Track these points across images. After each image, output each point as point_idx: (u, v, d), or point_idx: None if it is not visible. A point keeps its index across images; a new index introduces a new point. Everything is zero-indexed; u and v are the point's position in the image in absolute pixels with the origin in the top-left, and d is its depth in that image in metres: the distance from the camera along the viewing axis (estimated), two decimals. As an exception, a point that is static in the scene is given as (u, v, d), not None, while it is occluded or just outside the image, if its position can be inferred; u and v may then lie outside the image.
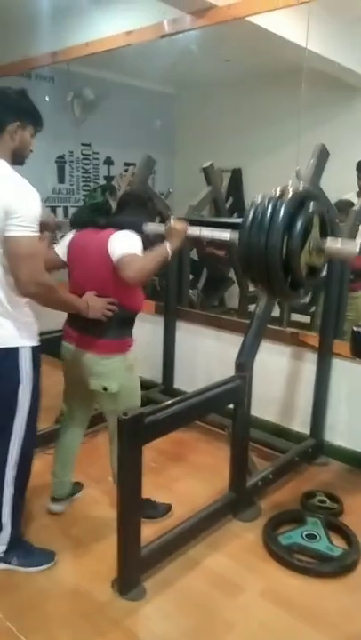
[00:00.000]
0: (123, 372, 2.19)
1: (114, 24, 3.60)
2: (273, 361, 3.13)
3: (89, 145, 5.33)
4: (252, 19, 2.97)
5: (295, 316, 4.13)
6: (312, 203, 1.80)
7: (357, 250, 1.81)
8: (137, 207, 2.28)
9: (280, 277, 1.77)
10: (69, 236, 2.26)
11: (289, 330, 3.13)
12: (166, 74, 5.04)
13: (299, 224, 1.72)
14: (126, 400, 2.18)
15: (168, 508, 2.45)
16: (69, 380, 2.36)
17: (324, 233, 1.86)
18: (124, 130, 5.24)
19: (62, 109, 4.83)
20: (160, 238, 2.20)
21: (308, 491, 2.63)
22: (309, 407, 2.99)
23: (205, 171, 3.95)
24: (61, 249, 2.24)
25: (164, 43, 3.48)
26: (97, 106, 5.11)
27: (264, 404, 3.16)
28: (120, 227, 2.12)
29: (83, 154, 5.31)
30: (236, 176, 5.54)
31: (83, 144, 5.29)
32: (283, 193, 1.75)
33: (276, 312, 3.21)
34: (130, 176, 4.56)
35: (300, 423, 3.10)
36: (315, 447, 2.97)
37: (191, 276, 4.19)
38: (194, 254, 4.43)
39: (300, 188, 1.80)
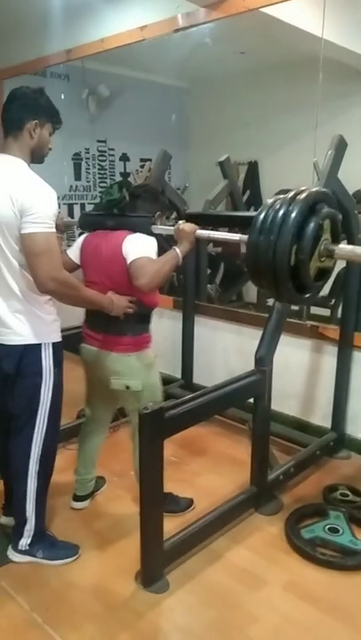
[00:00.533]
0: (144, 369, 2.20)
1: (128, 20, 3.59)
2: (293, 354, 3.11)
3: (104, 141, 5.34)
4: (266, 9, 2.94)
5: (315, 310, 4.09)
6: (324, 206, 1.76)
7: None
8: (148, 200, 2.27)
9: (288, 283, 1.72)
10: (81, 238, 2.28)
11: (309, 323, 3.11)
12: (181, 68, 5.02)
13: (309, 230, 1.67)
14: (149, 397, 2.18)
15: (190, 502, 2.45)
16: (91, 381, 2.37)
17: (335, 237, 1.82)
18: (140, 125, 5.24)
19: (77, 106, 4.85)
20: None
21: (331, 484, 2.62)
22: (330, 400, 2.97)
23: (221, 164, 3.94)
24: (74, 251, 2.26)
25: (177, 37, 3.46)
26: (112, 102, 5.12)
27: (284, 398, 3.15)
28: (130, 228, 2.13)
29: (98, 150, 5.32)
30: (253, 169, 5.50)
31: (98, 141, 5.30)
32: (294, 196, 1.71)
33: (295, 305, 3.20)
34: (146, 172, 4.56)
35: (321, 416, 3.08)
36: (336, 440, 2.95)
37: (209, 271, 4.19)
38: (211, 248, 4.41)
39: (312, 190, 1.75)
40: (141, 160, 5.43)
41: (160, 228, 2.20)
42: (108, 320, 2.12)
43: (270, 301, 2.67)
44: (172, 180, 5.01)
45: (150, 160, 4.80)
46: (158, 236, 2.19)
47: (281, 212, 1.66)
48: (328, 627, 1.85)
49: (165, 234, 2.23)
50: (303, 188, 1.73)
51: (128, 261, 2.05)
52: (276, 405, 2.88)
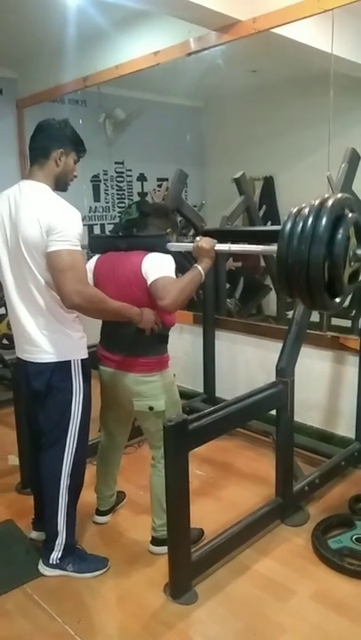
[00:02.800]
0: (165, 388, 2.18)
1: (141, 45, 3.71)
2: (315, 366, 3.13)
3: (122, 163, 5.47)
4: (275, 30, 3.02)
5: (335, 321, 4.10)
6: (349, 212, 1.78)
7: None
8: (159, 217, 2.26)
9: (322, 290, 1.72)
10: (92, 261, 2.27)
11: (329, 334, 3.13)
12: (194, 88, 5.13)
13: (339, 240, 1.66)
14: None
15: (200, 533, 2.33)
16: (108, 403, 2.34)
17: (360, 241, 1.84)
18: (156, 146, 5.36)
19: (95, 130, 4.98)
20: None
21: (357, 494, 2.61)
22: (354, 411, 2.97)
23: (237, 181, 4.00)
24: (87, 274, 2.19)
25: (190, 59, 3.56)
26: (128, 124, 5.25)
27: (307, 410, 3.16)
28: (145, 247, 2.12)
29: (116, 172, 5.45)
30: (269, 184, 5.56)
31: (116, 162, 5.42)
32: (321, 203, 1.72)
33: (315, 317, 3.22)
34: (164, 191, 4.65)
35: (345, 427, 3.08)
36: (361, 451, 2.94)
37: (228, 285, 4.23)
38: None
39: (338, 197, 1.76)
40: (158, 179, 5.54)
41: (177, 246, 2.20)
42: (127, 340, 2.12)
43: (290, 313, 2.69)
44: (188, 198, 5.09)
45: (167, 179, 4.89)
46: (177, 253, 2.19)
47: (310, 223, 1.65)
48: (358, 637, 1.84)
49: (184, 250, 2.24)
50: (327, 196, 1.73)
51: (149, 282, 2.03)
52: (300, 417, 2.90)
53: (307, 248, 1.65)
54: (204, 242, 2.13)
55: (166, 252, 2.12)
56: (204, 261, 2.11)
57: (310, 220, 1.66)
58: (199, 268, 2.09)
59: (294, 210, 1.75)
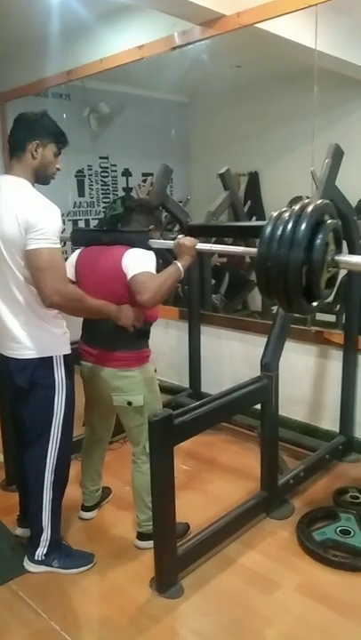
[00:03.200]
0: (145, 383, 2.18)
1: (125, 39, 3.69)
2: (299, 360, 3.15)
3: (107, 158, 5.44)
4: (260, 24, 3.02)
5: (320, 315, 4.13)
6: (328, 218, 1.80)
7: None
8: (143, 214, 2.27)
9: (300, 298, 1.75)
10: (74, 254, 2.26)
11: (314, 329, 3.15)
12: (179, 83, 5.11)
13: (318, 246, 1.68)
14: (150, 412, 2.15)
15: (186, 527, 2.35)
16: (90, 397, 2.35)
17: (338, 245, 1.86)
18: (141, 141, 5.33)
19: (79, 125, 4.95)
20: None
21: (341, 487, 2.64)
22: (338, 404, 3.00)
23: (222, 176, 4.00)
24: (69, 267, 2.20)
25: (175, 53, 3.55)
26: (113, 119, 5.22)
27: (292, 404, 3.19)
28: (127, 242, 2.12)
29: (101, 167, 5.41)
30: (254, 179, 5.57)
31: (101, 157, 5.39)
32: (302, 208, 1.74)
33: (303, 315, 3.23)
34: (148, 186, 4.64)
35: (330, 421, 3.11)
36: (345, 444, 2.97)
37: (213, 281, 4.24)
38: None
39: (318, 203, 1.78)
40: (143, 175, 5.52)
41: (159, 243, 2.21)
42: (107, 335, 2.12)
43: (275, 308, 2.71)
44: (174, 193, 5.09)
45: (152, 174, 4.87)
46: (161, 249, 2.20)
47: (290, 227, 1.68)
48: (342, 627, 1.87)
49: (166, 247, 2.23)
50: (307, 201, 1.76)
51: (128, 276, 2.03)
52: (285, 411, 2.92)
53: (286, 252, 1.67)
54: (187, 240, 2.14)
55: (148, 247, 2.13)
56: (185, 258, 2.12)
57: (290, 224, 1.69)
58: (179, 264, 2.10)
59: (275, 214, 1.77)
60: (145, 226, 2.23)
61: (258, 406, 2.47)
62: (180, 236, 2.19)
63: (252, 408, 2.66)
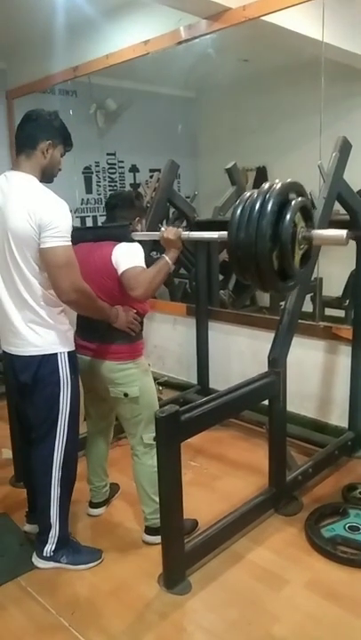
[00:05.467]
0: (140, 375, 2.22)
1: (131, 35, 3.68)
2: (307, 356, 3.13)
3: (114, 154, 5.43)
4: (266, 17, 3.00)
5: (329, 311, 4.11)
6: (295, 197, 1.80)
7: (344, 236, 1.80)
8: (125, 207, 2.30)
9: (273, 277, 1.79)
10: None
11: (322, 324, 3.13)
12: (185, 78, 5.09)
13: (286, 223, 1.72)
14: (147, 404, 2.22)
15: (195, 523, 2.34)
16: (87, 390, 2.38)
17: (308, 221, 1.87)
18: (148, 137, 5.32)
19: (86, 121, 4.95)
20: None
21: (350, 483, 2.62)
22: (346, 400, 2.98)
23: (229, 171, 3.98)
24: None
25: (181, 48, 3.53)
26: (119, 115, 5.21)
27: (301, 400, 3.17)
28: (112, 238, 2.15)
29: (108, 163, 5.41)
30: (261, 174, 5.54)
31: (108, 154, 5.39)
32: (264, 196, 1.75)
33: (308, 307, 3.21)
34: (155, 182, 4.62)
35: (339, 417, 3.09)
36: (354, 440, 2.95)
37: (221, 277, 4.22)
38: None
39: (280, 185, 1.78)
40: (151, 171, 5.50)
41: (142, 235, 2.26)
42: (102, 329, 2.16)
43: (283, 304, 2.70)
44: (181, 189, 5.08)
45: (159, 170, 4.87)
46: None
47: (254, 217, 1.72)
48: (351, 625, 1.86)
49: (150, 239, 2.28)
50: (268, 186, 1.79)
51: (119, 272, 2.09)
52: (293, 407, 2.90)
53: (253, 242, 1.72)
54: (170, 232, 2.18)
55: (131, 241, 2.17)
56: (172, 251, 2.18)
57: (255, 214, 1.73)
58: (166, 258, 2.16)
59: (246, 196, 1.81)
60: (129, 219, 2.27)
61: (266, 402, 2.46)
62: (163, 229, 2.22)
63: (261, 404, 2.65)
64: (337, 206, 2.66)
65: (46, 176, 1.99)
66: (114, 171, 5.46)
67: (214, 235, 2.11)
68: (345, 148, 2.62)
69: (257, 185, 5.46)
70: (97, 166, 5.30)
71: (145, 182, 5.36)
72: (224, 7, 3.04)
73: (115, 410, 2.37)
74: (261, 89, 5.15)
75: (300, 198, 1.81)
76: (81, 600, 2.00)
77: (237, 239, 1.79)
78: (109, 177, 5.43)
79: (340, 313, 4.09)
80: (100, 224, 4.99)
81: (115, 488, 2.65)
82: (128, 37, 3.70)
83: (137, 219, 2.30)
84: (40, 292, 1.92)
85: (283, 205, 1.75)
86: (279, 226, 1.73)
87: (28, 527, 2.35)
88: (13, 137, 4.90)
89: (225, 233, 1.89)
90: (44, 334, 1.96)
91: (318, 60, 3.11)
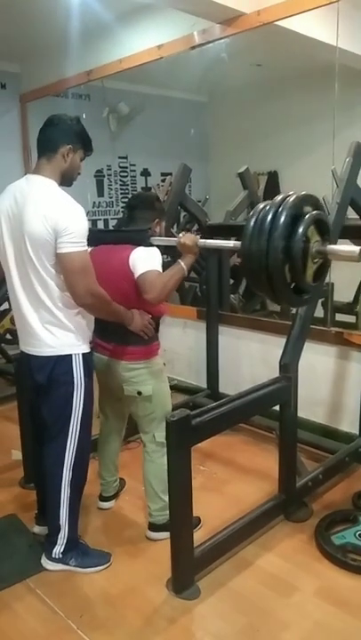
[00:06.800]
0: (153, 375, 2.26)
1: (145, 39, 3.69)
2: (318, 361, 3.11)
3: (126, 158, 5.46)
4: (280, 22, 3.00)
5: (340, 316, 4.08)
6: (309, 209, 1.79)
7: (357, 252, 1.78)
8: (145, 209, 2.32)
9: (287, 292, 1.78)
10: None
11: (334, 329, 3.11)
12: (198, 83, 5.11)
13: (298, 237, 1.71)
14: (160, 403, 2.27)
15: (198, 520, 2.34)
16: (103, 389, 2.45)
17: (323, 235, 1.85)
18: (160, 140, 5.34)
19: (99, 125, 4.98)
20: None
21: (360, 490, 2.60)
22: (358, 406, 2.96)
23: (241, 175, 3.98)
24: None
25: (194, 52, 3.55)
26: (132, 119, 5.24)
27: (311, 405, 3.15)
28: (130, 242, 2.18)
29: (120, 167, 5.44)
30: (273, 179, 5.54)
31: (120, 157, 5.42)
32: (282, 200, 1.74)
33: (319, 312, 3.20)
34: (167, 185, 4.63)
35: (349, 423, 3.07)
36: (365, 447, 2.93)
37: (232, 281, 4.22)
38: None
39: (293, 198, 1.76)
40: (162, 174, 5.52)
41: (160, 240, 2.28)
42: (119, 331, 2.19)
43: (294, 310, 2.69)
44: (192, 193, 5.08)
45: (171, 174, 4.88)
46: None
47: (266, 231, 1.72)
48: (360, 632, 1.84)
49: (168, 244, 2.29)
50: (281, 199, 1.78)
51: (136, 275, 2.12)
52: (303, 413, 2.88)
53: (265, 254, 1.71)
54: (187, 239, 2.21)
55: (149, 245, 2.20)
56: (187, 257, 2.21)
57: (267, 225, 1.72)
58: (182, 264, 2.19)
59: (260, 207, 1.80)
60: (148, 221, 2.29)
61: (277, 407, 2.45)
62: (180, 235, 2.25)
63: (271, 409, 2.64)
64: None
65: (66, 180, 2.01)
66: (125, 174, 5.49)
67: (230, 244, 2.12)
68: (358, 154, 2.61)
69: (268, 190, 5.49)
70: (109, 170, 5.33)
71: (156, 185, 5.37)
72: (239, 12, 3.05)
73: (129, 409, 2.40)
74: (274, 94, 5.16)
75: (314, 212, 1.79)
76: (89, 603, 1.99)
77: (250, 250, 1.77)
78: (121, 180, 5.46)
79: (351, 319, 4.06)
80: (111, 227, 5.03)
81: (122, 482, 2.71)
82: (142, 42, 3.71)
83: (156, 220, 2.32)
84: (57, 293, 1.94)
85: (296, 218, 1.73)
86: (291, 241, 1.72)
87: (37, 529, 2.36)
88: (27, 140, 4.96)
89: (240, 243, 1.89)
90: (60, 335, 1.98)
91: (332, 65, 3.10)
